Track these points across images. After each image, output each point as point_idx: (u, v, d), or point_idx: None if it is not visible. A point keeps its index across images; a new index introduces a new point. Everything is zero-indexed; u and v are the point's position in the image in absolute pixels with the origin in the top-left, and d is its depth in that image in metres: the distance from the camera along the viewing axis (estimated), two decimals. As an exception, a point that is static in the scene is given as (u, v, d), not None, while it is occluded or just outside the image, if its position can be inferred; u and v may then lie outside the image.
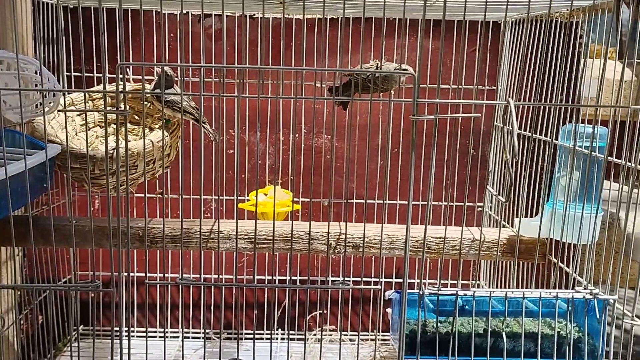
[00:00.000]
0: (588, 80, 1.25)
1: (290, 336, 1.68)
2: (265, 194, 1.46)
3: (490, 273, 1.58)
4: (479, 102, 0.90)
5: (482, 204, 1.61)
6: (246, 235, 1.21)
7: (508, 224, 1.41)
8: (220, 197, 1.62)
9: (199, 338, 1.67)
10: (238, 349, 1.18)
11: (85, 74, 1.51)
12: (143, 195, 1.31)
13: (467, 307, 0.99)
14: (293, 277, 1.56)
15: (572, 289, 1.00)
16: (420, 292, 0.98)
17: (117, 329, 1.03)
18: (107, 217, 0.94)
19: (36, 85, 1.15)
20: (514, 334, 1.00)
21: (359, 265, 1.64)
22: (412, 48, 1.59)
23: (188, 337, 1.67)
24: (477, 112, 0.88)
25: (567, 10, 1.23)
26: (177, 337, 1.65)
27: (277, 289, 1.66)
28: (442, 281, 1.00)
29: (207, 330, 1.67)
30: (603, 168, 1.02)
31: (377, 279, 1.64)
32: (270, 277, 1.61)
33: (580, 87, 1.28)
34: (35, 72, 1.16)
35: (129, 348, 1.02)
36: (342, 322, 1.68)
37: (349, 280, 1.07)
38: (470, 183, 1.63)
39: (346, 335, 1.68)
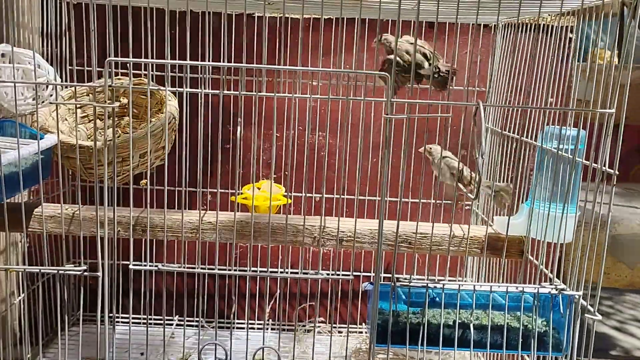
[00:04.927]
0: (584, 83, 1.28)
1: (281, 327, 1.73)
2: (259, 188, 1.50)
3: (477, 270, 1.61)
4: (449, 102, 0.93)
5: (469, 203, 1.65)
6: (232, 226, 1.25)
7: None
8: (214, 190, 1.67)
9: (189, 326, 1.72)
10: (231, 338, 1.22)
11: (87, 68, 1.57)
12: (132, 186, 1.36)
13: (437, 299, 1.03)
14: (282, 270, 1.60)
15: (539, 284, 1.03)
16: (393, 284, 1.02)
17: (109, 315, 1.08)
18: (95, 205, 0.99)
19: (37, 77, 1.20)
20: (483, 326, 1.04)
21: (348, 260, 1.68)
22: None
23: (181, 325, 1.72)
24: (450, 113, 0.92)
25: (557, 14, 1.26)
26: (170, 324, 1.70)
27: (257, 278, 1.71)
28: (429, 277, 1.04)
29: (199, 319, 1.72)
30: (579, 169, 1.05)
31: (368, 273, 1.67)
32: (257, 269, 1.65)
33: (571, 89, 1.30)
34: (39, 66, 1.22)
35: (112, 332, 1.07)
36: (327, 314, 1.72)
37: (333, 273, 1.11)
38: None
39: (335, 327, 1.72)
